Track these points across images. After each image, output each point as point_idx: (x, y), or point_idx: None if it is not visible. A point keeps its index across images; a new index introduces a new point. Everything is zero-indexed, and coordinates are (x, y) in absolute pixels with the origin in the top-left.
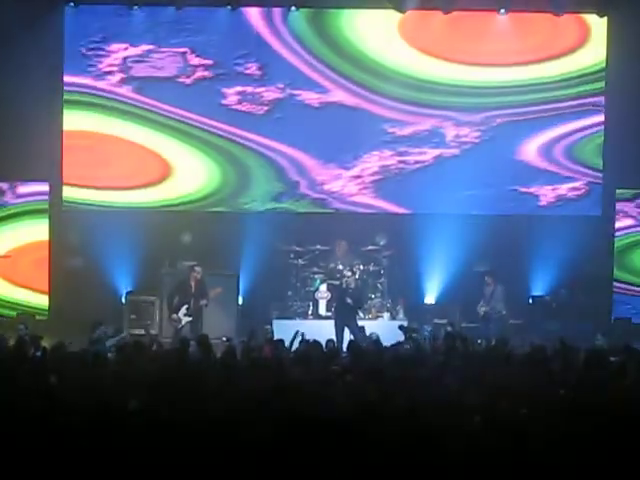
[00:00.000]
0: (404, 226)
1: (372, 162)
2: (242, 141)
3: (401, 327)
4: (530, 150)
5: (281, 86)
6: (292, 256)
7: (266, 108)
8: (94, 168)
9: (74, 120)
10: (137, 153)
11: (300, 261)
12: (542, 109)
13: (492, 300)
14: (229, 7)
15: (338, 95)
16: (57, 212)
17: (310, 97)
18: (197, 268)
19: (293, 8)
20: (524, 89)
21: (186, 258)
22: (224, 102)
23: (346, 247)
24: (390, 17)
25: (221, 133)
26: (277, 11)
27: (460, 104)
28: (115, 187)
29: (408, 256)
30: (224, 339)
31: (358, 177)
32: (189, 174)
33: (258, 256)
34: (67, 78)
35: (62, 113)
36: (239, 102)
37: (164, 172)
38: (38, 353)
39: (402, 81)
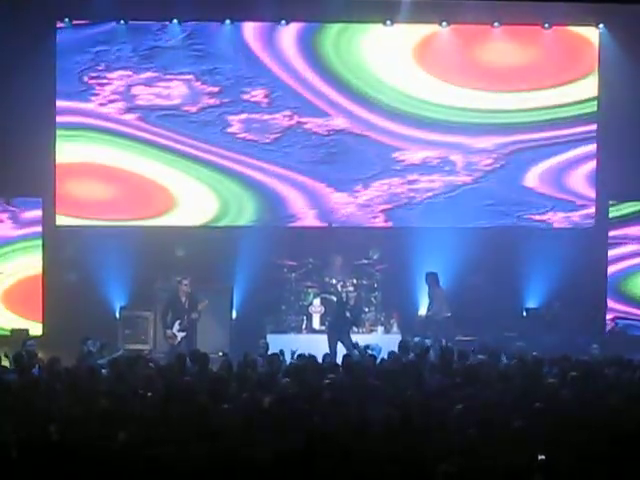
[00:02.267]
0: (397, 239)
1: (382, 190)
2: (249, 169)
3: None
4: (538, 177)
5: (288, 113)
6: (286, 270)
7: (273, 136)
8: (88, 193)
9: (68, 142)
10: (137, 181)
11: (294, 275)
12: (546, 136)
13: (433, 303)
14: (228, 21)
15: (346, 123)
16: (50, 228)
17: (318, 125)
18: (185, 281)
19: (283, 22)
20: (531, 124)
21: (180, 272)
22: (229, 130)
23: (340, 261)
24: (395, 41)
25: (226, 161)
26: (280, 32)
27: (470, 133)
28: (112, 218)
29: (402, 269)
30: (220, 354)
31: (367, 206)
32: (192, 203)
33: (252, 270)
34: (60, 102)
35: (55, 133)
36: (245, 130)
37: (167, 202)
38: (34, 369)
39: (409, 109)
